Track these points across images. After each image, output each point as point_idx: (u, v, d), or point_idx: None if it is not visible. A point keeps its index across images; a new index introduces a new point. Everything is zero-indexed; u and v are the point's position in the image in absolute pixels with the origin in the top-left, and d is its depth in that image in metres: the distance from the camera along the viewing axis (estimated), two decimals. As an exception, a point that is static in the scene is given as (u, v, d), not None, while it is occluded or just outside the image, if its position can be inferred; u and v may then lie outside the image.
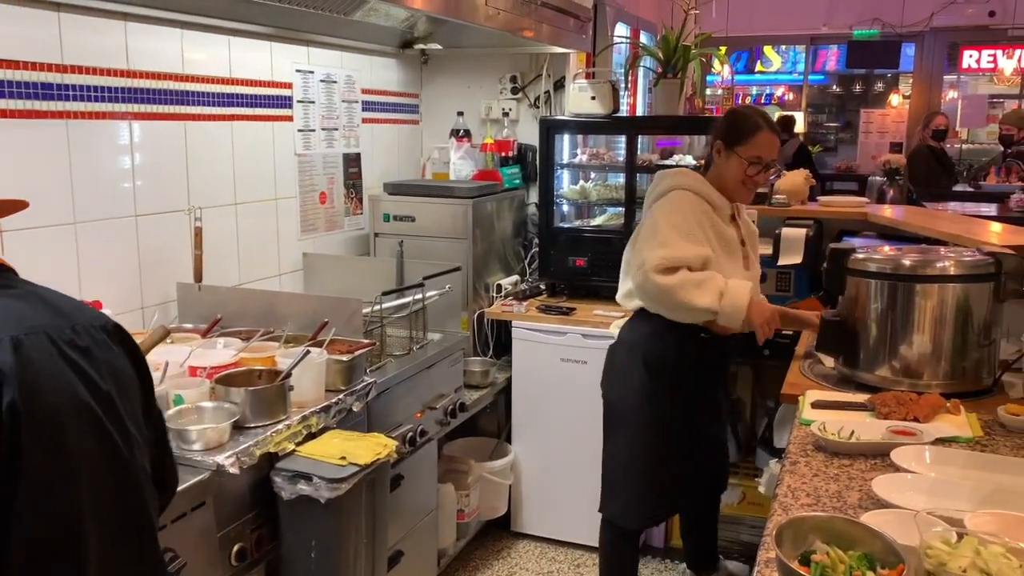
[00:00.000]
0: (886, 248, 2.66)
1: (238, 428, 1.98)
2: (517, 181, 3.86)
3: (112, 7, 2.33)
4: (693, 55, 3.54)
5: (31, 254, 2.19)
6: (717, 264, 2.51)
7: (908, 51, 9.43)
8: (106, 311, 2.24)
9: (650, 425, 2.65)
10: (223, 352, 2.25)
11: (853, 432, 1.96)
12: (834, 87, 11.02)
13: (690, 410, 2.69)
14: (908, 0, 8.62)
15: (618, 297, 2.76)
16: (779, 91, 11.41)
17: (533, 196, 3.91)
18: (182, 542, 1.73)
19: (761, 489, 2.88)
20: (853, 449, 1.90)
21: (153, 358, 1.96)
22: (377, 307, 2.72)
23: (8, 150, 2.12)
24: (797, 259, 3.30)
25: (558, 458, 3.47)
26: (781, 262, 3.32)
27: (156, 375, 1.96)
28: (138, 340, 1.99)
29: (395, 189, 3.55)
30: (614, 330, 2.87)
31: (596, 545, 3.47)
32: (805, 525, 1.30)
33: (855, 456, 1.89)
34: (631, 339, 2.69)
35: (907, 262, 2.40)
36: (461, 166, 3.75)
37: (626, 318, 2.81)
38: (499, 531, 3.62)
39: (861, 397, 2.24)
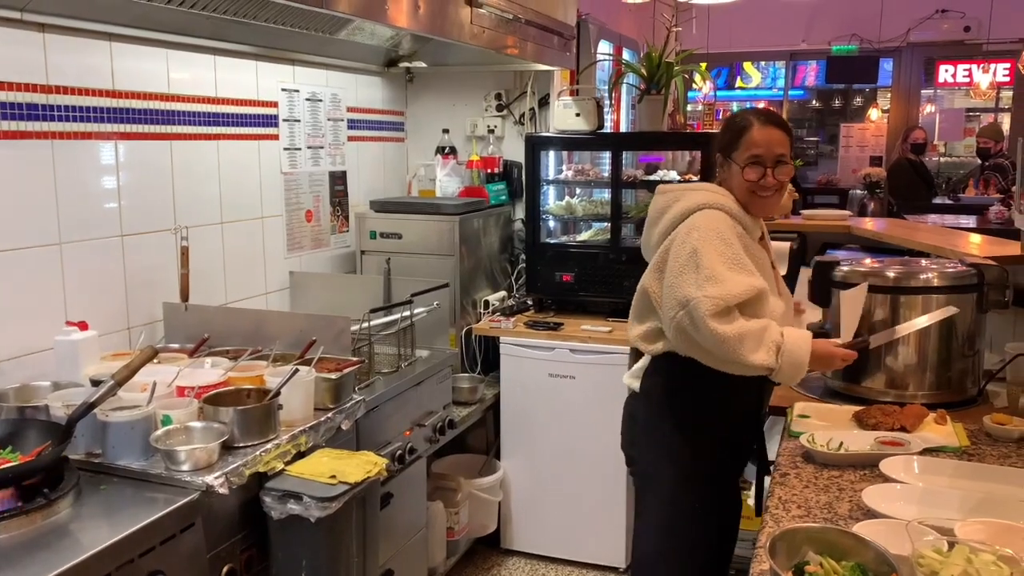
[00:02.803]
0: (870, 260, 2.69)
1: (227, 448, 1.96)
2: (503, 197, 3.88)
3: (97, 27, 2.33)
4: (676, 72, 3.58)
5: (15, 275, 2.17)
6: (766, 296, 2.15)
7: (886, 66, 9.58)
8: (92, 332, 2.25)
9: (690, 493, 2.28)
10: (211, 372, 2.23)
11: (842, 443, 1.97)
12: (814, 102, 11.16)
13: (731, 467, 2.42)
14: (885, 16, 8.76)
15: (634, 337, 2.34)
16: (760, 106, 11.53)
17: (519, 212, 3.92)
18: (171, 563, 1.72)
19: (750, 502, 2.89)
20: (842, 460, 1.91)
21: (140, 378, 1.96)
22: (365, 325, 2.71)
23: (-5, 170, 2.11)
24: (782, 272, 3.33)
25: (547, 474, 3.47)
26: None
27: (143, 395, 1.96)
28: (125, 360, 1.99)
29: (381, 206, 3.56)
30: (630, 381, 2.40)
31: (586, 561, 3.48)
32: (798, 536, 1.31)
33: (844, 467, 1.90)
34: (658, 392, 2.30)
35: (891, 274, 2.43)
36: (447, 183, 3.76)
37: (637, 364, 2.40)
38: (489, 548, 3.61)
39: (849, 409, 2.26)
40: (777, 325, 2.10)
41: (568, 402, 3.39)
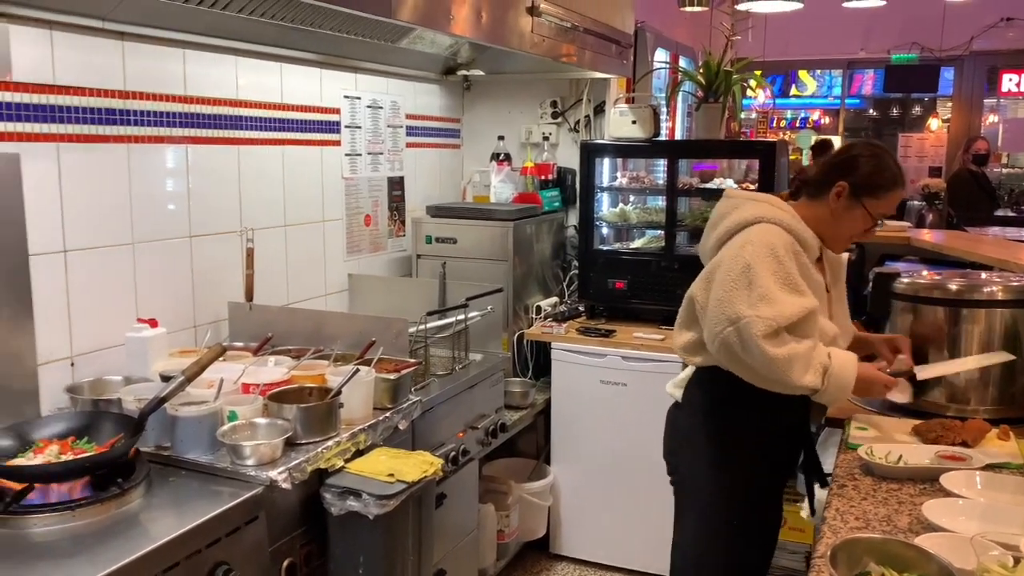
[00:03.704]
0: (930, 273, 2.65)
1: (290, 444, 2.01)
2: (556, 204, 3.90)
3: (171, 35, 2.42)
4: (735, 80, 3.57)
5: (91, 273, 2.26)
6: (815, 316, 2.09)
7: (947, 75, 9.37)
8: (161, 329, 2.33)
9: (728, 507, 2.24)
10: (275, 370, 2.30)
11: (901, 457, 1.95)
12: (871, 111, 10.97)
13: (772, 482, 2.37)
14: (948, 24, 8.58)
15: (677, 346, 2.31)
16: (815, 115, 11.39)
17: (572, 219, 3.95)
18: (235, 555, 1.77)
19: (803, 515, 2.86)
20: (902, 474, 1.89)
21: (208, 375, 2.03)
22: (422, 327, 2.76)
23: (74, 173, 2.20)
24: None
25: (597, 480, 3.48)
26: None
27: (211, 392, 2.03)
28: (195, 357, 2.06)
29: (437, 212, 3.61)
30: (673, 390, 2.39)
31: (635, 568, 3.48)
32: (859, 547, 1.30)
33: (903, 480, 1.88)
34: (701, 404, 2.27)
35: (954, 287, 2.39)
36: (501, 189, 3.80)
37: (681, 374, 2.39)
38: (538, 553, 3.62)
39: (908, 423, 2.23)
40: (824, 346, 2.06)
41: (619, 409, 3.39)
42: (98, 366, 2.26)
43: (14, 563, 1.52)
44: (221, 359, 2.15)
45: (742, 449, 2.22)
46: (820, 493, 2.41)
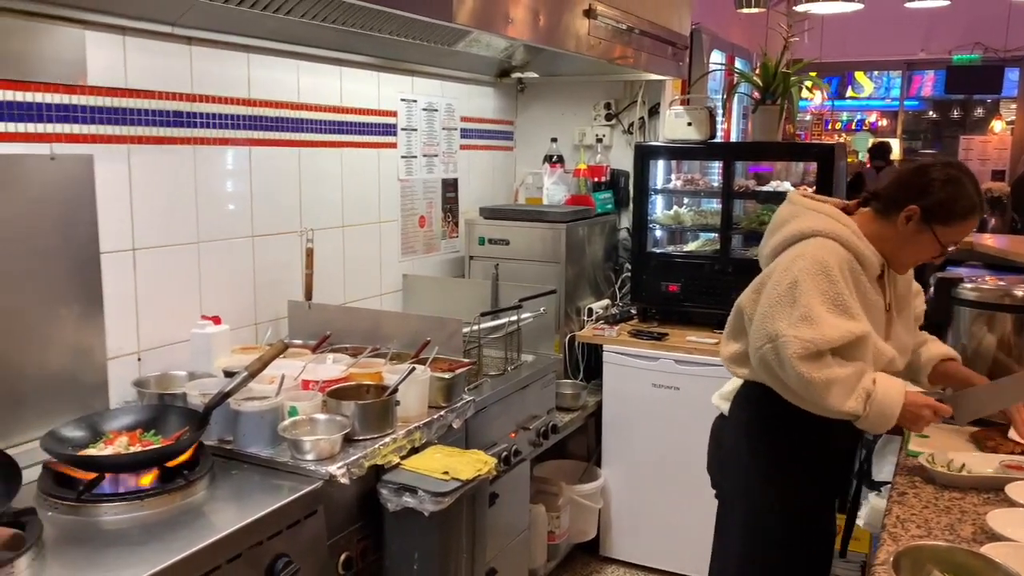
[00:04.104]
0: (992, 278, 2.59)
1: (347, 440, 2.05)
2: (609, 206, 3.90)
3: (237, 40, 2.48)
4: (792, 82, 3.53)
5: (159, 271, 2.33)
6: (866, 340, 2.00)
7: (1011, 76, 9.12)
8: (224, 326, 2.39)
9: (773, 523, 2.19)
10: (333, 367, 2.34)
11: (964, 465, 1.91)
12: (930, 113, 10.72)
13: (820, 500, 2.29)
14: (1012, 24, 8.35)
15: (725, 357, 2.25)
16: (871, 117, 11.18)
17: (625, 221, 3.94)
18: (295, 548, 1.80)
19: (860, 523, 2.81)
20: (966, 482, 1.85)
21: (270, 371, 2.07)
22: (475, 327, 2.78)
23: (143, 173, 2.27)
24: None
25: (648, 484, 3.46)
26: None
27: (272, 387, 2.08)
28: (255, 354, 2.11)
29: (491, 213, 3.63)
30: (719, 403, 2.35)
31: (685, 573, 3.45)
32: (923, 554, 1.29)
33: (966, 489, 1.85)
34: (748, 419, 2.21)
35: (1020, 293, 2.34)
36: (554, 191, 3.82)
37: (730, 386, 2.33)
38: (588, 555, 3.62)
39: (965, 431, 2.18)
40: (871, 371, 1.97)
41: (671, 413, 3.38)
42: (163, 361, 2.33)
43: (87, 549, 1.58)
44: (281, 356, 2.20)
45: (789, 466, 2.15)
46: (876, 501, 2.38)
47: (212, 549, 1.61)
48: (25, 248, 1.97)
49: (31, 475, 1.78)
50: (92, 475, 1.75)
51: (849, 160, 8.10)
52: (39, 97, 2.00)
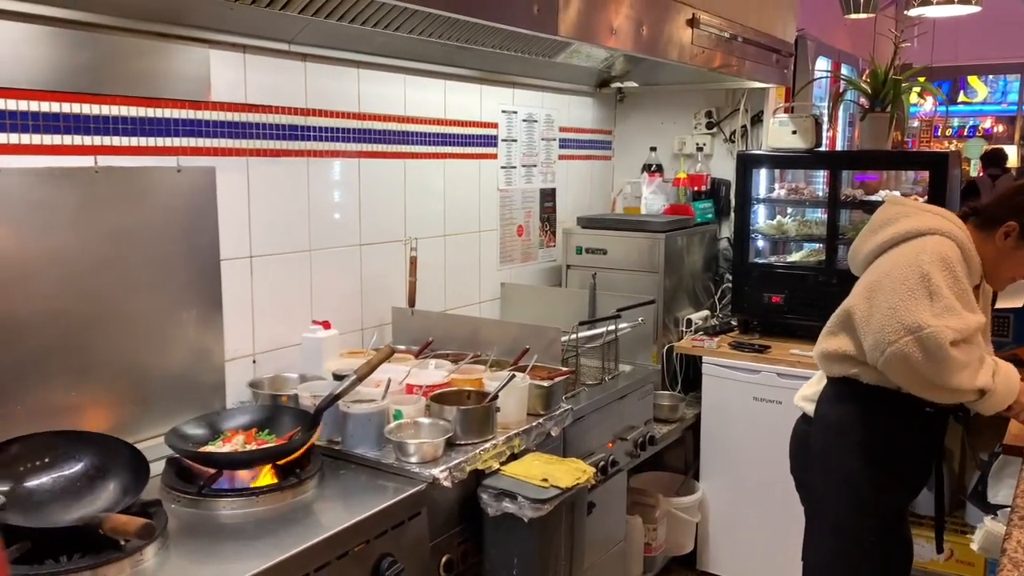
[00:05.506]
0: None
1: (449, 444, 2.09)
2: (709, 216, 3.85)
3: (348, 56, 2.58)
4: (904, 88, 3.42)
5: (274, 278, 2.44)
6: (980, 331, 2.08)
7: None
8: (333, 331, 2.47)
9: (870, 530, 2.21)
10: (435, 372, 2.39)
11: (1093, 489, 1.81)
12: (1052, 118, 10.15)
13: (903, 500, 2.33)
14: None
15: (819, 353, 2.28)
16: (985, 123, 10.67)
17: (725, 231, 3.88)
18: (399, 548, 1.85)
19: (974, 547, 2.69)
20: (1094, 508, 1.75)
21: (376, 375, 2.14)
22: (574, 336, 2.80)
23: (261, 184, 2.38)
24: (1018, 303, 3.09)
25: (748, 499, 3.40)
26: (1000, 305, 3.10)
27: (378, 391, 2.14)
28: (365, 358, 2.18)
29: (588, 223, 3.64)
30: (803, 404, 2.38)
31: (786, 591, 3.37)
32: (1050, 580, 1.23)
33: (1096, 515, 1.74)
34: (837, 417, 2.23)
35: None
36: (652, 200, 3.80)
37: (815, 385, 2.37)
38: (684, 569, 3.58)
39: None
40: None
41: (773, 427, 3.29)
42: (276, 363, 2.44)
43: (206, 541, 1.67)
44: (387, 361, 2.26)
45: (878, 467, 2.18)
46: (993, 526, 2.28)
47: (322, 547, 1.67)
48: (153, 255, 2.09)
49: (156, 468, 1.88)
50: (212, 471, 1.84)
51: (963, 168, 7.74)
52: (167, 113, 2.13)
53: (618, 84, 3.85)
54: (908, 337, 1.95)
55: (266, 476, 1.88)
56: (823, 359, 2.26)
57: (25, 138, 1.84)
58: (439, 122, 2.99)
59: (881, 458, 2.18)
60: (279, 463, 1.91)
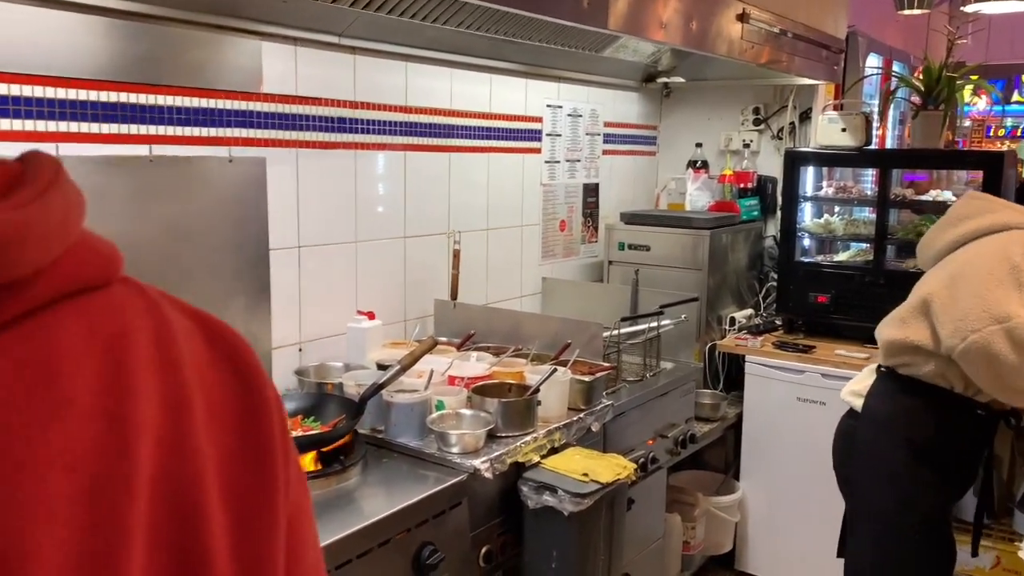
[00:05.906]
0: None
1: (490, 436, 2.10)
2: (755, 213, 3.81)
3: (397, 49, 2.60)
4: (959, 86, 3.34)
5: (321, 268, 2.48)
6: None
7: None
8: (377, 321, 2.50)
9: (914, 528, 2.21)
10: (477, 365, 2.41)
11: None
12: (1113, 117, 9.83)
13: (948, 500, 2.31)
14: None
15: (885, 340, 2.24)
16: (1058, 132, 10.37)
17: (771, 229, 3.84)
18: (440, 537, 1.86)
19: (1022, 555, 2.63)
20: None
21: (420, 366, 2.16)
22: (615, 332, 2.79)
23: (309, 176, 2.41)
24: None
25: (789, 500, 3.36)
26: None
27: (421, 381, 2.16)
28: (407, 349, 2.20)
29: (631, 218, 3.62)
30: (852, 399, 2.36)
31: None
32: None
33: None
34: (887, 411, 2.22)
35: None
36: (697, 197, 3.77)
37: (864, 380, 2.35)
38: (722, 568, 3.55)
39: None
40: None
41: (816, 429, 3.25)
42: (322, 352, 2.47)
43: (252, 526, 1.70)
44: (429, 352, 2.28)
45: (921, 462, 2.17)
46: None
47: (365, 533, 1.68)
48: (204, 243, 2.13)
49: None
50: (259, 456, 1.87)
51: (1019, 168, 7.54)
52: (220, 104, 2.16)
53: (664, 79, 3.82)
54: (995, 327, 1.93)
55: (310, 463, 1.91)
56: (889, 348, 2.23)
57: (84, 127, 1.89)
58: (484, 116, 3.00)
59: (927, 455, 2.17)
60: (323, 450, 1.93)
